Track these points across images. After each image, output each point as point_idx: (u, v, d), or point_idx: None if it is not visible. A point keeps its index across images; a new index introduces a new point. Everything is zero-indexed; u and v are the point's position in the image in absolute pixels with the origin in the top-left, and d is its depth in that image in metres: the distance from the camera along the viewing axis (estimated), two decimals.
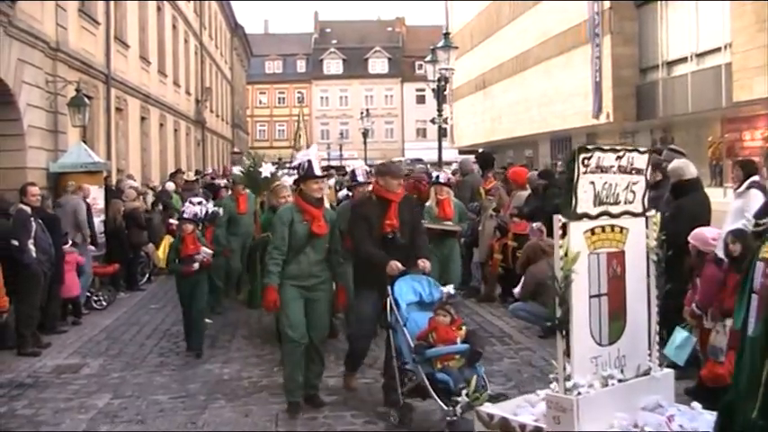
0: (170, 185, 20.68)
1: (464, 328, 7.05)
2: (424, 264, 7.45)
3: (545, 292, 10.48)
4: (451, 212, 11.29)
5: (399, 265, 7.22)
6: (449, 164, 25.01)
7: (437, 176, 11.70)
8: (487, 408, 5.22)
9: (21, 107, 14.70)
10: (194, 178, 22.81)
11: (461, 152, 47.68)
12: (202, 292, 10.54)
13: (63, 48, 16.87)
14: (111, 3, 21.30)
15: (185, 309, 10.55)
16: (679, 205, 8.72)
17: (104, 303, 13.86)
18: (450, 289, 7.25)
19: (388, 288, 7.15)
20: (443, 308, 7.01)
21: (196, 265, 10.21)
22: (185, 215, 10.50)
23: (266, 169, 11.29)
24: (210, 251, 10.70)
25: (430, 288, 7.40)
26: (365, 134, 49.97)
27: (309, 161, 7.55)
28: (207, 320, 12.41)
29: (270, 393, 8.30)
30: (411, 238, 7.63)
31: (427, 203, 11.37)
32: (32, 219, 10.94)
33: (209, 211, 12.74)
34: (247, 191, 13.52)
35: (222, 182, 18.29)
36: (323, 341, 7.98)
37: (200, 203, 14.04)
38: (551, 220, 11.69)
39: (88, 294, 13.73)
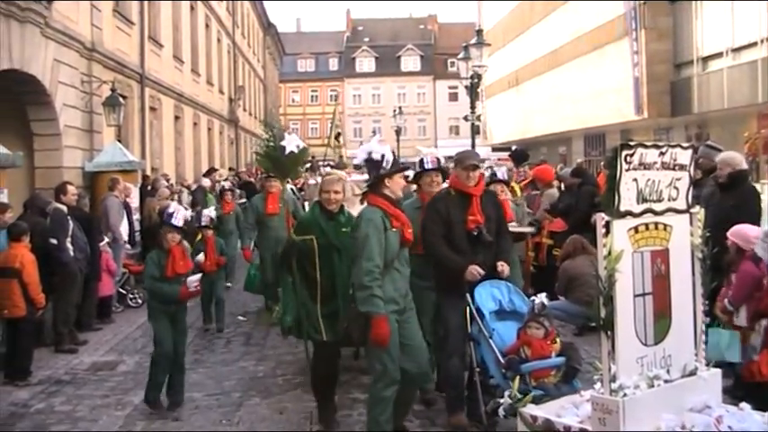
0: (206, 182, 20.69)
1: (558, 340, 6.51)
2: (502, 267, 6.78)
3: (577, 288, 10.43)
4: (512, 214, 9.52)
5: (479, 269, 6.58)
6: (482, 161, 24.89)
7: (493, 173, 9.84)
8: (531, 409, 5.14)
9: (57, 107, 14.83)
10: (226, 176, 22.60)
11: (494, 149, 47.59)
12: (185, 327, 8.45)
13: (98, 48, 17.00)
14: (145, 3, 21.44)
15: (163, 352, 7.96)
16: (743, 192, 8.60)
17: (140, 301, 13.92)
18: (543, 298, 6.51)
19: (467, 296, 6.57)
20: (537, 320, 6.39)
21: (195, 286, 8.03)
22: (173, 221, 7.96)
23: (291, 142, 8.24)
24: (197, 277, 8.16)
25: (509, 295, 6.81)
26: (398, 132, 49.88)
27: (394, 152, 6.53)
28: (240, 317, 12.51)
29: (304, 391, 8.25)
30: (495, 237, 6.88)
31: None
32: (69, 218, 11.04)
33: (212, 216, 11.79)
34: (280, 187, 12.51)
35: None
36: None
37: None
38: (586, 217, 11.64)
39: (124, 292, 13.85)
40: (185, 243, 8.25)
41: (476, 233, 6.67)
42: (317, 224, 7.09)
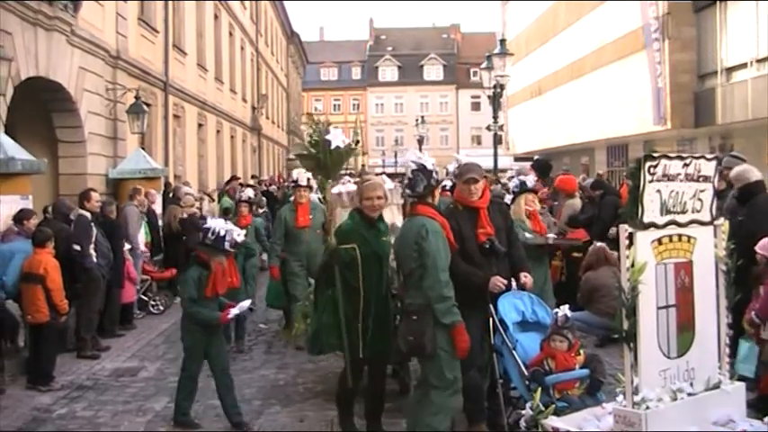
0: (249, 192, 20.05)
1: (582, 352, 6.48)
2: (526, 279, 6.74)
3: (599, 299, 10.37)
4: (545, 227, 9.26)
5: (502, 280, 6.50)
6: (504, 171, 24.83)
7: (522, 182, 9.19)
8: (553, 421, 5.12)
9: (82, 115, 14.96)
10: (252, 185, 21.96)
11: (517, 159, 47.41)
12: (222, 343, 7.94)
13: (123, 56, 17.14)
14: (170, 11, 21.59)
15: (189, 376, 7.65)
16: (753, 205, 8.54)
17: (161, 308, 14.01)
18: (565, 310, 6.47)
19: (490, 307, 6.50)
20: (560, 332, 6.36)
21: (242, 308, 7.78)
22: (225, 245, 7.62)
23: (336, 137, 7.36)
24: (246, 304, 7.97)
25: (532, 306, 6.78)
26: (420, 141, 49.89)
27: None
28: (261, 325, 12.46)
29: (324, 399, 8.27)
30: (507, 247, 6.78)
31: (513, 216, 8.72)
32: (93, 224, 11.10)
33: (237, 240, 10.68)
34: (311, 197, 11.31)
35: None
36: None
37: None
38: (607, 227, 11.50)
39: (146, 299, 13.91)
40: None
41: (488, 245, 6.60)
42: (358, 232, 6.74)
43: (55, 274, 9.49)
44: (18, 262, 9.57)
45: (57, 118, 14.89)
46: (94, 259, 10.88)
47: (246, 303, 7.83)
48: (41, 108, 14.65)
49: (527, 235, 8.62)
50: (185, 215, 15.19)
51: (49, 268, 9.45)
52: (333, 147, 7.39)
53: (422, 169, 6.27)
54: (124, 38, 17.43)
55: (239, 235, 10.02)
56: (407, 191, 6.44)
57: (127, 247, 12.80)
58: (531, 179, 9.30)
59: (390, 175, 12.47)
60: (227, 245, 7.55)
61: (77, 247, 10.59)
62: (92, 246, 10.89)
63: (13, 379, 9.45)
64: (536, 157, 24.25)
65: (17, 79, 12.17)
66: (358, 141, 7.50)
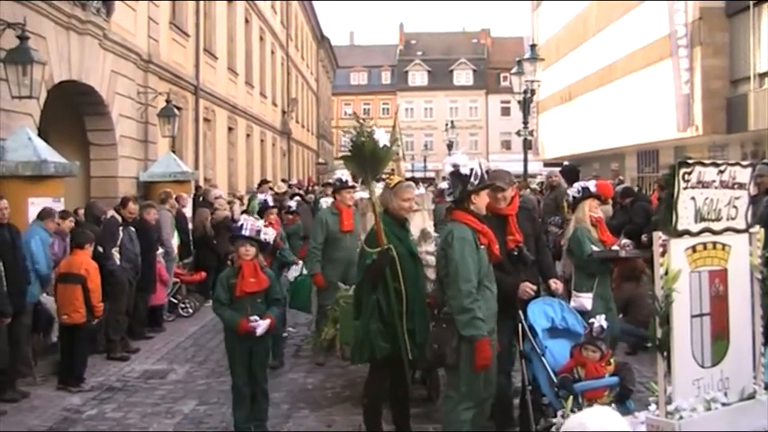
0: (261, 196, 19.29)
1: (613, 361, 6.41)
2: (556, 285, 6.78)
3: (634, 310, 10.25)
4: (612, 237, 8.48)
5: (531, 286, 6.46)
6: (533, 176, 24.69)
7: (584, 187, 8.30)
8: None
9: (113, 118, 15.07)
10: (284, 189, 21.40)
11: (546, 164, 47.21)
12: (263, 357, 7.48)
13: (154, 59, 17.25)
14: (201, 15, 21.70)
15: (235, 384, 7.29)
16: None
17: (191, 311, 14.05)
18: (601, 321, 6.30)
19: (520, 313, 6.45)
20: (594, 343, 6.26)
21: (260, 330, 7.09)
22: (243, 231, 7.27)
23: (382, 136, 6.83)
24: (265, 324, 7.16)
25: (562, 312, 6.73)
26: (450, 146, 49.84)
27: (482, 164, 6.09)
28: (290, 329, 12.41)
29: (353, 404, 8.24)
30: (535, 254, 6.74)
31: (574, 224, 8.15)
32: (121, 227, 11.15)
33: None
34: (355, 198, 10.43)
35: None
36: None
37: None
38: (639, 233, 11.34)
39: (175, 301, 13.96)
40: (260, 257, 7.41)
41: (516, 253, 6.52)
42: (391, 233, 6.62)
43: (95, 276, 9.60)
44: (39, 245, 9.61)
45: (89, 121, 15.02)
46: (117, 262, 10.92)
47: (265, 324, 7.15)
48: (74, 111, 14.79)
49: (594, 248, 7.91)
50: (208, 219, 15.27)
51: (90, 269, 9.57)
52: (381, 145, 6.91)
53: (455, 174, 6.00)
54: (156, 42, 17.55)
55: (266, 233, 9.92)
56: (448, 196, 6.26)
57: (160, 251, 12.85)
58: (591, 184, 8.53)
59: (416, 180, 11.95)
60: (244, 232, 7.24)
61: (100, 249, 10.62)
62: (116, 248, 10.93)
63: (44, 379, 9.56)
64: (565, 163, 24.13)
65: (50, 83, 12.28)
66: (396, 139, 7.21)
